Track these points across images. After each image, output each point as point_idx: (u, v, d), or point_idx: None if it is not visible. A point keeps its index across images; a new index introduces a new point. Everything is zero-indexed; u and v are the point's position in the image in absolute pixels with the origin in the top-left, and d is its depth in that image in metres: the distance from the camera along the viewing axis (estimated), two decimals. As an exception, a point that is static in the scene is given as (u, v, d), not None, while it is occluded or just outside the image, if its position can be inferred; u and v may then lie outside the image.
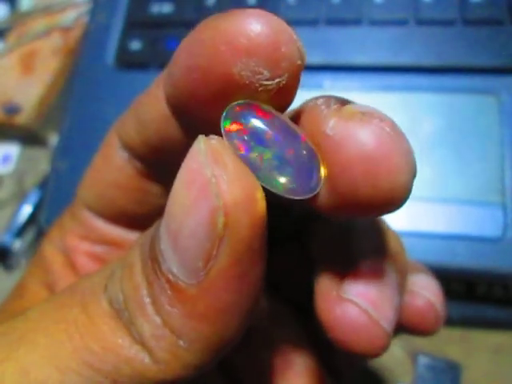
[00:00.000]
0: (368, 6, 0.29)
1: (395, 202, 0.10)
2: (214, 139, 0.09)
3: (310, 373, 0.16)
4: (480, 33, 0.27)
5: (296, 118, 0.11)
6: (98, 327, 0.10)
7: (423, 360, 0.26)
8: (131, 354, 0.10)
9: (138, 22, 0.33)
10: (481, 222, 0.24)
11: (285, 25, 0.10)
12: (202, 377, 0.11)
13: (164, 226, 0.10)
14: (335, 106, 0.11)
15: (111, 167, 0.15)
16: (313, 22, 0.29)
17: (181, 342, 0.10)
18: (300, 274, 0.16)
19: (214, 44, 0.10)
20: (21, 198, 0.37)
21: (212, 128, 0.11)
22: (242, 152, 0.10)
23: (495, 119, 0.25)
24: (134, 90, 0.15)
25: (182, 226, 0.09)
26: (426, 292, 0.15)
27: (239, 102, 0.10)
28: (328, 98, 0.11)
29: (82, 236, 0.16)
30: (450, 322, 0.27)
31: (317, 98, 0.11)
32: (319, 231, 0.15)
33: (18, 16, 0.44)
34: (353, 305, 0.12)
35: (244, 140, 0.10)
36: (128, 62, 0.32)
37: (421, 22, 0.28)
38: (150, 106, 0.13)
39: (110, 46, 0.33)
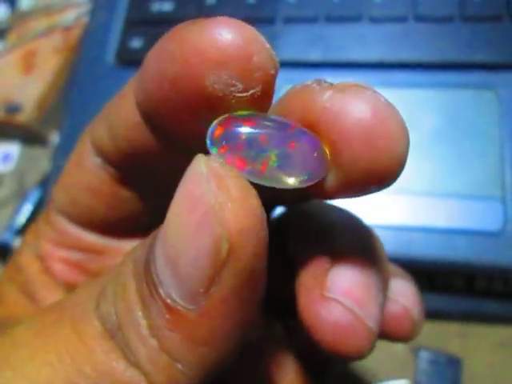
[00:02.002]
0: (367, 3, 0.29)
1: (393, 169, 0.10)
2: (215, 162, 0.09)
3: (301, 378, 0.15)
4: (479, 29, 0.27)
5: (284, 103, 0.11)
6: (90, 348, 0.10)
7: (424, 355, 0.26)
8: (126, 377, 0.09)
9: (139, 20, 0.33)
10: (481, 217, 0.24)
11: (256, 33, 0.10)
12: None
13: (161, 250, 0.09)
14: (326, 84, 0.11)
15: (84, 173, 0.15)
16: (312, 20, 0.29)
17: (179, 366, 0.09)
18: (280, 280, 0.15)
19: (183, 56, 0.09)
20: (21, 196, 0.37)
21: (186, 131, 0.11)
22: (243, 167, 0.09)
23: (494, 114, 0.25)
24: (125, 85, 0.15)
25: (183, 252, 0.09)
26: (402, 298, 0.15)
27: (218, 120, 0.10)
28: (317, 79, 0.11)
29: (57, 242, 0.16)
30: (451, 316, 0.27)
31: (304, 82, 0.11)
32: (300, 232, 0.15)
33: (18, 15, 0.44)
34: (337, 304, 0.12)
35: (241, 155, 0.09)
36: (128, 60, 0.32)
37: (420, 19, 0.28)
38: (120, 111, 0.13)
39: (110, 44, 0.33)
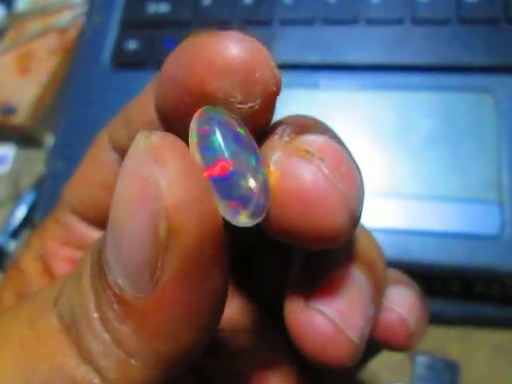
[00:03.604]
0: (364, 6, 0.29)
1: (328, 240, 0.10)
2: (155, 135, 0.09)
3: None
4: (476, 32, 0.27)
5: (259, 140, 0.11)
6: (45, 344, 0.09)
7: (422, 359, 0.26)
8: (79, 374, 0.09)
9: (135, 22, 0.33)
10: (478, 220, 0.24)
11: (263, 50, 0.10)
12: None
13: (107, 232, 0.09)
14: (287, 138, 0.11)
15: (100, 168, 0.15)
16: (309, 22, 0.29)
17: (132, 361, 0.09)
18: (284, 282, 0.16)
19: (191, 62, 0.10)
20: (16, 198, 0.37)
21: None
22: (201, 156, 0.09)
23: (491, 117, 0.25)
24: (131, 90, 0.15)
25: (123, 233, 0.08)
26: (398, 307, 0.14)
27: (211, 108, 0.10)
28: (287, 125, 0.11)
29: (64, 241, 0.16)
30: (449, 320, 0.27)
31: (278, 124, 0.11)
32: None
33: (14, 17, 0.44)
34: (319, 314, 0.12)
35: (204, 149, 0.09)
36: (124, 62, 0.32)
37: (417, 21, 0.28)
38: (139, 111, 0.13)
39: (106, 46, 0.33)
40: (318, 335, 0.12)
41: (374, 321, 0.13)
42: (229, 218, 0.09)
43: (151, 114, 0.13)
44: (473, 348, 0.26)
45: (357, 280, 0.13)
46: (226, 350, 0.16)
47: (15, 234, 0.35)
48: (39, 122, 0.39)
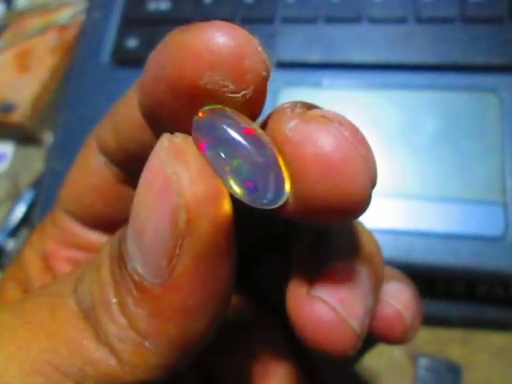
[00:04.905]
0: (367, 4, 0.29)
1: (351, 206, 0.10)
2: (177, 137, 0.09)
3: (291, 380, 0.15)
4: (480, 31, 0.27)
5: (264, 123, 0.11)
6: (64, 328, 0.10)
7: (423, 361, 0.25)
8: (96, 356, 0.10)
9: (135, 20, 0.33)
10: (482, 222, 0.23)
11: (250, 37, 0.10)
12: (177, 379, 0.10)
13: (129, 224, 0.10)
14: (299, 110, 0.11)
15: (89, 171, 0.15)
16: (312, 20, 0.29)
17: (147, 344, 0.10)
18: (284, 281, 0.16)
19: (179, 58, 0.10)
20: (15, 197, 0.36)
21: (183, 131, 0.11)
22: (209, 155, 0.10)
23: (496, 117, 0.25)
24: (130, 87, 0.15)
25: (145, 224, 0.09)
26: (395, 301, 0.15)
27: (210, 107, 0.10)
28: (295, 102, 0.11)
29: (61, 241, 0.16)
30: (451, 322, 0.26)
31: (285, 103, 0.11)
32: (298, 234, 0.15)
33: (14, 14, 0.44)
34: (321, 302, 0.12)
35: (213, 146, 0.10)
36: (124, 60, 0.32)
37: (420, 20, 0.28)
38: (125, 112, 0.13)
39: (106, 43, 0.33)
40: (320, 323, 0.12)
41: (372, 314, 0.14)
42: (254, 204, 0.10)
43: (137, 116, 0.13)
44: (475, 350, 0.26)
45: (357, 272, 0.13)
46: (227, 346, 0.16)
47: (14, 232, 0.35)
48: (38, 120, 0.38)
